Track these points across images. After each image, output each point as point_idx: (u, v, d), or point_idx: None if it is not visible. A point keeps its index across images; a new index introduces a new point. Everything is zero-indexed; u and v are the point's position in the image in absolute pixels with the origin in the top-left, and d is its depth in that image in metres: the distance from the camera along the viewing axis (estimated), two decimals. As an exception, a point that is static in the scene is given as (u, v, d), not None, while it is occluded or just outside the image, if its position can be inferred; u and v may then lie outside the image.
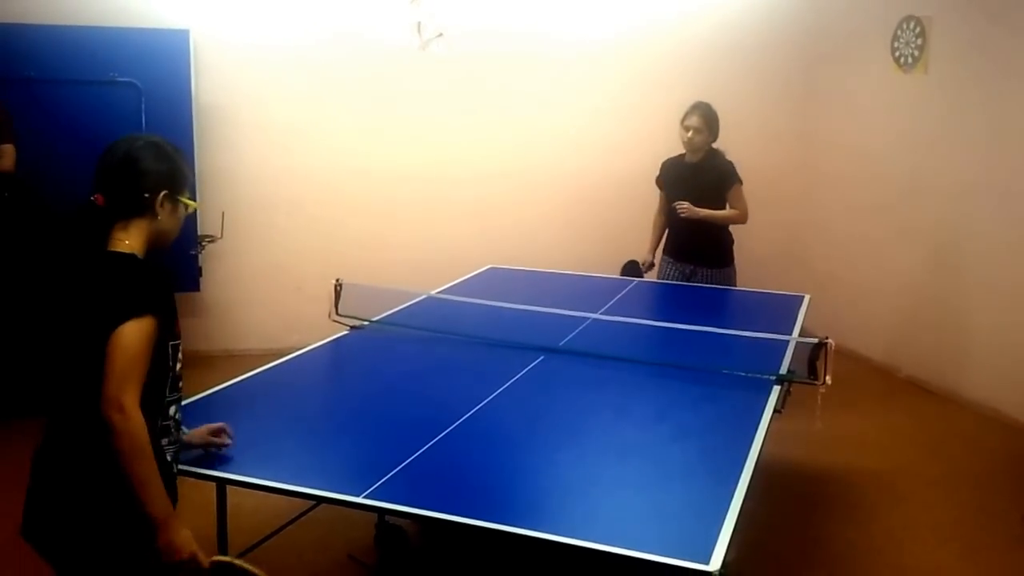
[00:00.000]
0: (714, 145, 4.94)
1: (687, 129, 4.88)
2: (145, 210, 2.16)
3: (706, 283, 4.92)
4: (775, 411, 3.01)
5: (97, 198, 2.17)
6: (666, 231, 5.16)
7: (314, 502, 2.84)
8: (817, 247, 6.90)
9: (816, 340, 3.29)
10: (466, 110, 6.41)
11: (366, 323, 3.86)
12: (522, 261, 5.58)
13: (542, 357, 3.47)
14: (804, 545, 3.82)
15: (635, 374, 3.38)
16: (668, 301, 4.86)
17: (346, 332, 3.77)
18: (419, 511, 2.22)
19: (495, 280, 4.98)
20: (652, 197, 5.54)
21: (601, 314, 4.09)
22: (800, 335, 3.74)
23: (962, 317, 5.60)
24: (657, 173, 5.23)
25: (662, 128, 6.71)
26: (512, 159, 6.52)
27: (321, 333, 3.72)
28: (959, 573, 3.62)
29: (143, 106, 5.45)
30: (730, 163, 4.93)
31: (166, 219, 2.20)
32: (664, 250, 5.16)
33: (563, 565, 3.36)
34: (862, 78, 6.46)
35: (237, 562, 2.09)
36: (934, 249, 5.83)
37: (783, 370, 3.33)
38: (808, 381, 3.26)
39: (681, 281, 4.97)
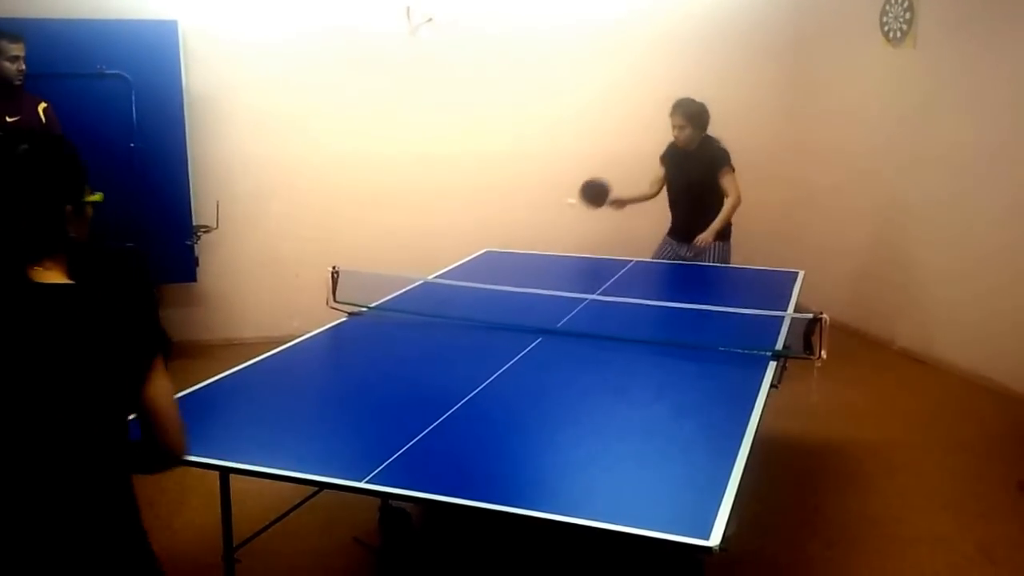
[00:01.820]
0: (709, 132, 5.14)
1: (673, 127, 5.13)
2: (56, 228, 1.77)
3: (704, 258, 5.08)
4: (772, 386, 3.04)
5: None
6: (648, 200, 5.47)
7: (317, 488, 2.86)
8: (810, 223, 6.92)
9: (811, 315, 3.31)
10: (459, 94, 6.41)
11: (364, 309, 3.88)
12: (518, 244, 5.61)
13: (540, 339, 3.49)
14: (803, 517, 3.85)
15: (633, 353, 3.40)
16: (664, 280, 4.89)
17: (344, 319, 3.79)
18: (421, 494, 2.23)
19: (492, 263, 4.99)
20: (646, 178, 5.57)
21: (598, 295, 4.11)
22: (795, 311, 3.77)
23: (954, 288, 5.63)
24: (661, 152, 5.45)
25: (655, 110, 6.70)
26: (506, 142, 6.52)
27: (319, 320, 3.74)
28: (956, 541, 3.66)
29: (133, 98, 5.44)
30: (722, 150, 5.10)
31: (76, 226, 1.81)
32: (668, 232, 5.39)
33: (565, 544, 3.40)
34: (851, 53, 6.46)
35: None
36: (926, 222, 5.85)
37: (779, 346, 3.36)
38: (804, 356, 3.29)
39: (675, 259, 5.18)
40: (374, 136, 6.31)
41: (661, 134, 6.13)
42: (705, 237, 5.01)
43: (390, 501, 3.58)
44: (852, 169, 6.52)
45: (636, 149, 6.66)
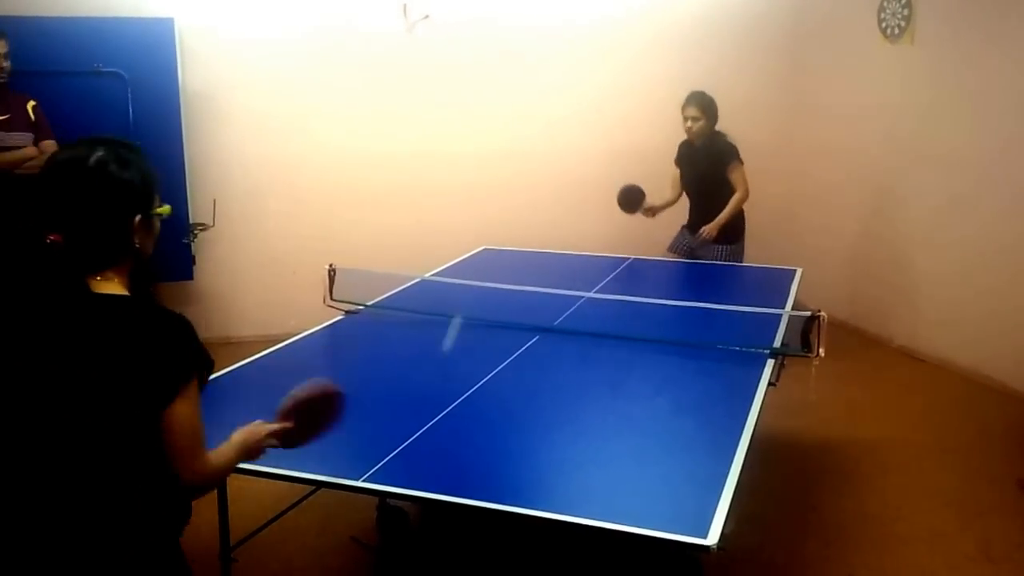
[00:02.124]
0: (717, 128, 5.18)
1: (686, 119, 5.16)
2: (120, 239, 1.78)
3: (716, 257, 5.16)
4: (770, 384, 3.04)
5: (55, 239, 1.72)
6: (675, 203, 5.51)
7: (314, 487, 2.86)
8: (808, 220, 6.91)
9: (809, 313, 3.31)
10: (456, 92, 6.40)
11: (361, 308, 3.87)
12: (516, 242, 5.60)
13: (537, 337, 3.49)
14: (801, 515, 3.85)
15: (630, 351, 3.39)
16: (661, 278, 4.88)
17: (341, 317, 3.78)
18: (418, 493, 2.23)
19: (489, 261, 4.99)
20: (644, 175, 5.56)
21: (595, 293, 4.10)
22: (793, 308, 3.76)
23: (953, 286, 5.62)
24: (664, 149, 5.56)
25: (654, 107, 6.72)
26: (503, 140, 6.51)
27: (316, 319, 3.73)
28: (955, 539, 3.65)
29: (129, 96, 5.42)
30: (730, 144, 5.16)
31: (142, 238, 1.81)
32: (684, 225, 5.46)
33: (563, 543, 3.40)
34: (849, 50, 6.45)
35: (303, 395, 2.14)
36: (925, 219, 5.85)
37: (777, 343, 3.35)
38: (802, 354, 3.28)
39: (683, 249, 5.30)
40: (371, 134, 6.29)
41: (660, 131, 6.12)
42: (709, 229, 5.09)
43: (387, 500, 3.57)
44: (850, 166, 6.51)
45: (635, 146, 6.67)
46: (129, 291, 1.78)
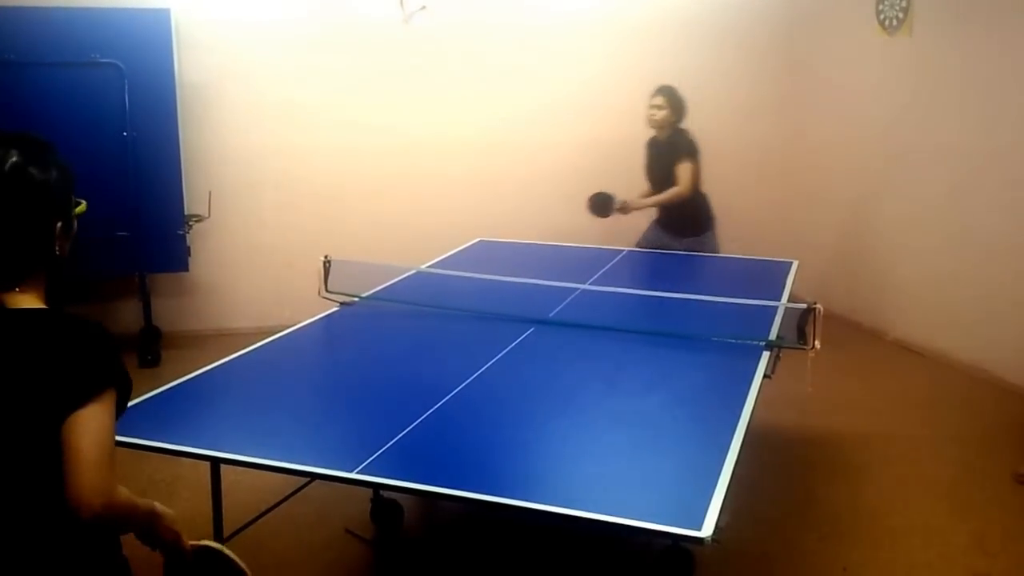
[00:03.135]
0: (682, 125, 5.22)
1: (650, 107, 5.20)
2: (42, 249, 1.64)
3: (686, 249, 5.13)
4: (765, 376, 3.03)
5: None
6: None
7: (308, 478, 2.85)
8: (804, 212, 6.90)
9: (805, 305, 3.30)
10: (452, 83, 6.38)
11: (356, 299, 3.86)
12: (511, 234, 5.59)
13: (532, 329, 3.48)
14: (796, 508, 3.85)
15: (625, 343, 3.38)
16: (657, 270, 4.88)
17: (336, 308, 3.77)
18: (412, 485, 2.22)
19: (484, 253, 4.98)
20: (640, 171, 5.55)
21: (590, 284, 4.10)
22: (789, 300, 3.76)
23: (949, 279, 5.62)
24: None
25: (647, 98, 6.70)
26: (499, 131, 6.50)
27: (311, 310, 3.72)
28: (950, 532, 3.65)
29: (126, 87, 5.40)
30: (689, 141, 5.17)
31: (62, 244, 1.67)
32: (654, 219, 5.43)
33: (557, 535, 3.40)
34: (846, 41, 6.44)
35: (215, 546, 1.93)
36: (921, 212, 5.84)
37: (772, 336, 3.35)
38: (798, 346, 3.28)
39: (659, 247, 5.24)
40: (367, 125, 6.28)
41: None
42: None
43: (382, 492, 3.57)
44: (847, 159, 6.50)
45: (632, 137, 6.64)
46: (46, 303, 1.63)
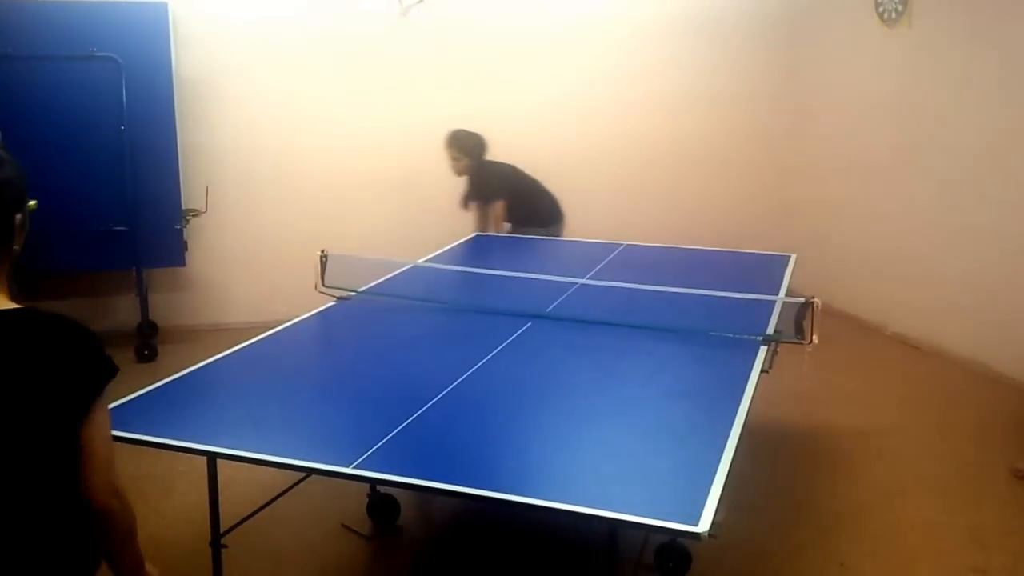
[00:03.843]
0: (486, 158, 5.51)
1: (449, 159, 5.51)
2: (3, 244, 1.64)
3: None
4: (763, 371, 3.02)
5: None
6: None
7: (304, 473, 2.84)
8: (802, 206, 6.90)
9: (803, 299, 3.29)
10: (450, 77, 6.37)
11: (352, 294, 3.85)
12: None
13: (529, 323, 3.47)
14: (794, 503, 3.85)
15: (622, 338, 3.37)
16: (655, 264, 4.86)
17: (333, 303, 3.76)
18: (409, 480, 2.21)
19: (481, 248, 4.97)
20: (639, 161, 5.55)
21: (588, 279, 4.09)
22: (787, 295, 3.75)
23: (947, 273, 5.62)
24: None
25: (647, 94, 6.71)
26: (495, 125, 6.45)
27: (308, 305, 3.71)
28: (948, 528, 3.65)
29: (123, 81, 5.38)
30: (493, 183, 5.47)
31: (19, 238, 1.68)
32: None
33: (554, 529, 3.39)
34: (845, 34, 6.43)
35: None
36: (919, 205, 5.84)
37: (770, 330, 3.34)
38: (795, 340, 3.27)
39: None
40: (365, 119, 6.27)
41: (656, 118, 6.11)
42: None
43: (378, 487, 3.56)
44: (846, 152, 6.49)
45: (629, 132, 6.65)
46: (11, 298, 1.63)
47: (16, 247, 1.66)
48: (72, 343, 1.62)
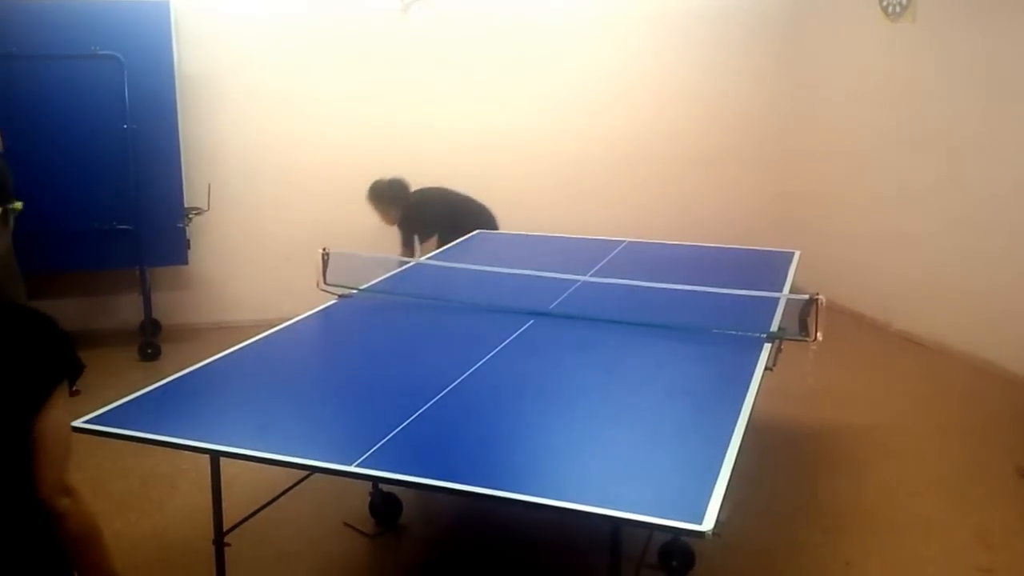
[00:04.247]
0: (411, 201, 5.43)
1: (379, 214, 5.49)
2: None
3: None
4: (766, 369, 3.00)
5: None
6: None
7: (307, 472, 2.84)
8: (807, 203, 6.88)
9: (807, 296, 3.28)
10: (451, 73, 6.36)
11: (355, 291, 3.84)
12: (510, 225, 5.57)
13: (532, 321, 3.46)
14: (798, 502, 3.83)
15: (625, 335, 3.36)
16: (658, 261, 4.84)
17: (335, 301, 3.75)
18: (411, 478, 2.20)
19: (483, 245, 4.96)
20: (637, 158, 5.54)
21: (591, 276, 4.07)
22: (791, 292, 3.73)
23: (953, 270, 5.60)
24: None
25: (650, 89, 6.69)
26: (498, 122, 6.47)
27: (310, 302, 3.70)
28: (953, 527, 3.64)
29: (125, 79, 5.38)
30: (420, 223, 5.37)
31: (3, 240, 1.72)
32: None
33: (557, 528, 3.38)
34: (849, 28, 6.41)
35: None
36: (925, 202, 5.82)
37: (774, 327, 3.32)
38: (799, 338, 3.25)
39: None
40: (366, 116, 6.26)
41: (659, 114, 6.08)
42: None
43: (381, 486, 3.56)
44: (849, 148, 6.48)
45: (633, 128, 6.64)
46: None
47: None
48: (35, 335, 1.60)
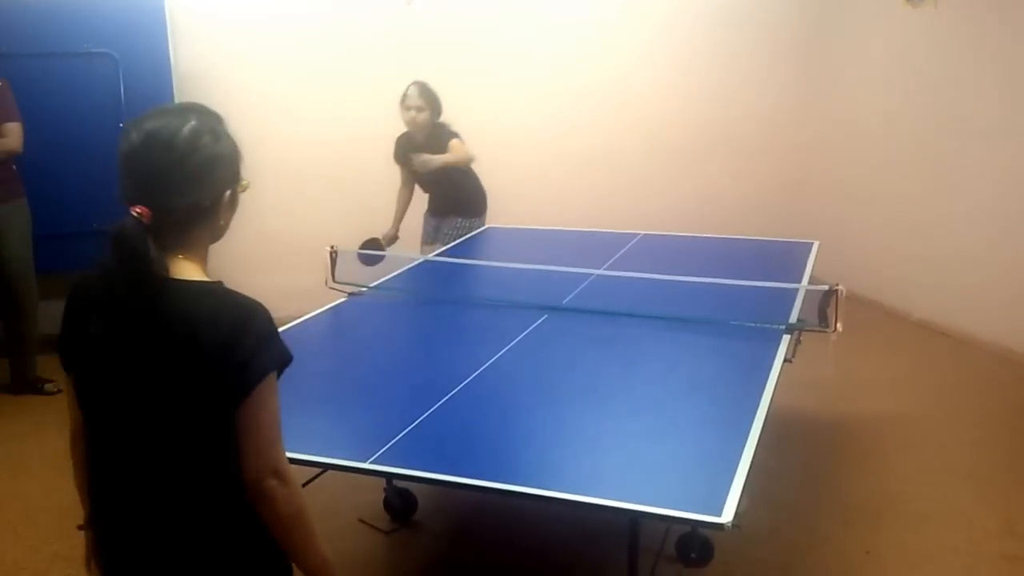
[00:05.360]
0: (441, 119, 5.03)
1: (408, 109, 4.96)
2: (209, 216, 1.70)
3: (456, 232, 5.07)
4: (786, 360, 2.97)
5: (142, 212, 1.67)
6: (410, 199, 5.41)
7: (320, 469, 2.81)
8: (826, 192, 6.82)
9: (826, 287, 3.23)
10: (455, 67, 6.28)
11: (364, 289, 3.81)
12: (520, 219, 5.51)
13: (545, 316, 3.42)
14: (818, 493, 3.78)
15: (641, 329, 3.32)
16: (674, 254, 4.79)
17: (344, 299, 3.72)
18: (425, 474, 2.18)
19: (494, 240, 4.92)
20: (651, 151, 5.48)
21: (605, 269, 4.03)
22: (810, 282, 3.68)
23: (973, 259, 5.53)
24: (395, 149, 5.30)
25: (664, 81, 6.64)
26: (504, 116, 6.41)
27: (319, 301, 3.67)
28: (977, 516, 3.58)
29: (120, 77, 5.35)
30: (450, 131, 5.00)
31: (226, 215, 1.76)
32: (427, 210, 5.37)
33: (573, 522, 3.34)
34: (869, 14, 6.34)
35: None
36: (945, 190, 5.75)
37: (793, 319, 3.27)
38: (819, 329, 3.21)
39: (432, 234, 5.23)
40: (369, 111, 6.18)
41: (673, 104, 6.02)
42: (425, 161, 4.93)
43: (395, 482, 3.53)
44: (870, 136, 6.41)
45: (643, 119, 6.58)
46: (207, 275, 1.69)
47: (222, 223, 1.75)
48: (245, 322, 1.61)
